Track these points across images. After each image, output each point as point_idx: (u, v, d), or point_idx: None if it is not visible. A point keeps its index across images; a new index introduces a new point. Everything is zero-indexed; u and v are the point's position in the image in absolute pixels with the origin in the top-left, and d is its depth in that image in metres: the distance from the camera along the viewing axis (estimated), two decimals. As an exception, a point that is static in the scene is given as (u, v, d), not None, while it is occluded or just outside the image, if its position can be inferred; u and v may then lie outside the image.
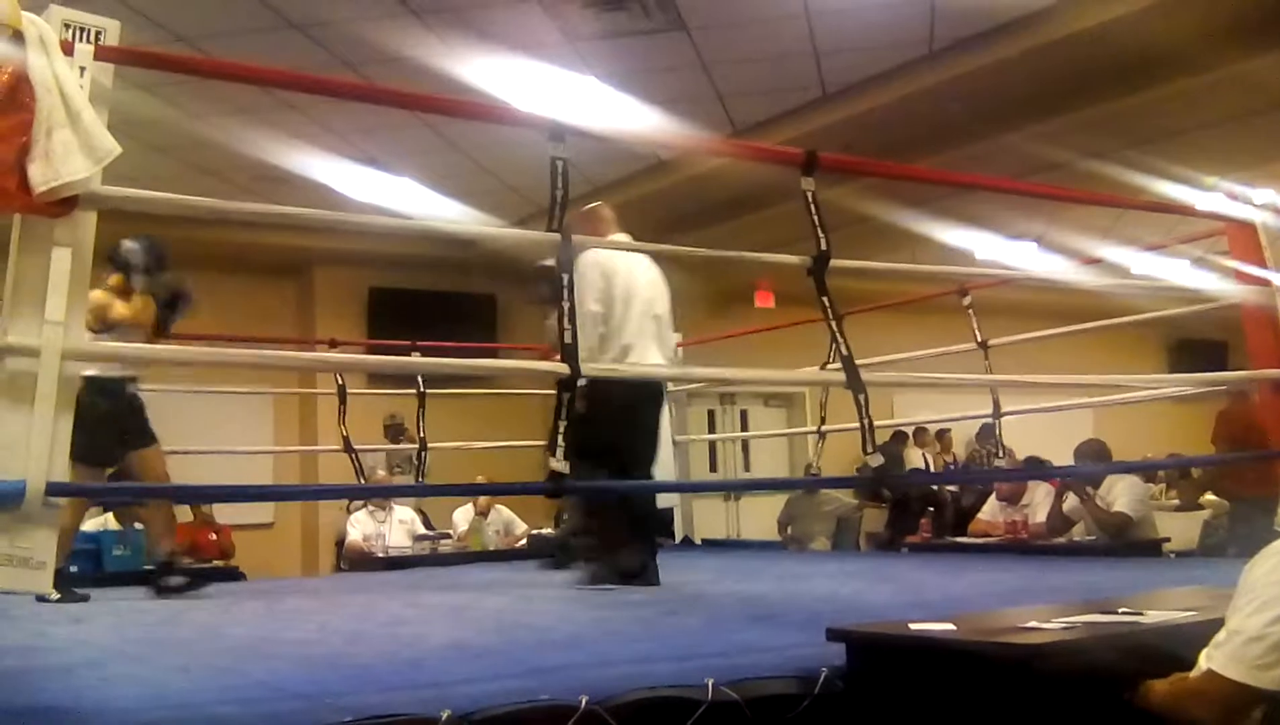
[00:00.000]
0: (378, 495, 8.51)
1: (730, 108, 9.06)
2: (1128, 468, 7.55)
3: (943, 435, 14.24)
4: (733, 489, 12.18)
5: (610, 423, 5.07)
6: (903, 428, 12.77)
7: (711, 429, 13.44)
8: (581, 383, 3.46)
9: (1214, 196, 6.05)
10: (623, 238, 5.43)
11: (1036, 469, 8.20)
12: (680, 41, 7.76)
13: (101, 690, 2.88)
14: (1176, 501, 9.93)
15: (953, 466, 13.90)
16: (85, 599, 5.40)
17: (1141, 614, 2.89)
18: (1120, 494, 7.02)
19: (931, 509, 10.71)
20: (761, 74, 8.40)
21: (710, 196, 9.82)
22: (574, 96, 8.21)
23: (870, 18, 7.51)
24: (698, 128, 8.65)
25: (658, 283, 5.52)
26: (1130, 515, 6.97)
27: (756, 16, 7.47)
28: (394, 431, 9.83)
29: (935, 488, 11.78)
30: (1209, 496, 9.68)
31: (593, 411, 5.03)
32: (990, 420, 7.13)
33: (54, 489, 2.63)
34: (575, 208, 3.72)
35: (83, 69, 2.81)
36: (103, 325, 5.35)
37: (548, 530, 9.15)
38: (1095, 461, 7.26)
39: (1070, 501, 7.28)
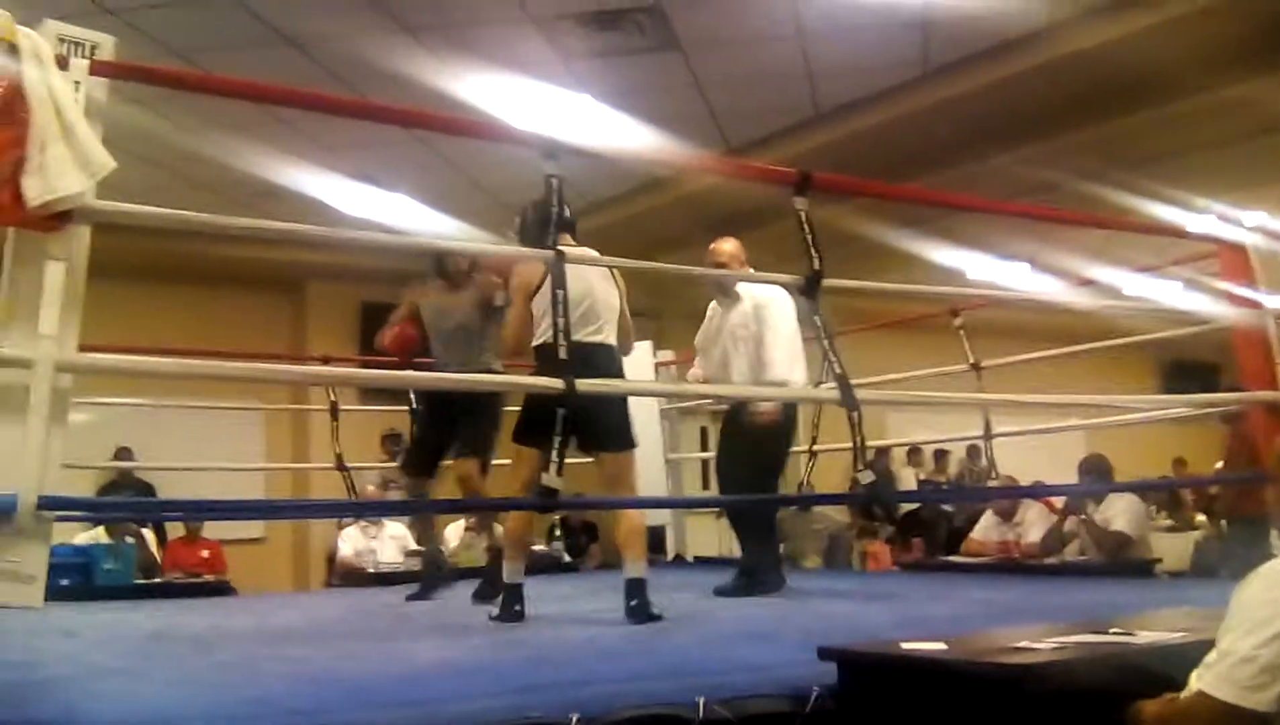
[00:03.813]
0: (371, 512, 8.48)
1: (724, 127, 9.08)
2: (1121, 487, 7.54)
3: (941, 457, 14.24)
4: (725, 505, 12.15)
5: (781, 441, 5.90)
6: (890, 447, 12.74)
7: (704, 447, 13.41)
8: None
9: (1206, 219, 6.06)
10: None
11: (1031, 487, 8.19)
12: (675, 61, 7.78)
13: (92, 705, 2.87)
14: (1169, 522, 9.94)
15: (947, 487, 13.90)
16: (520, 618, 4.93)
17: (1133, 634, 2.88)
18: (1120, 513, 7.02)
19: (917, 529, 10.73)
20: (755, 94, 8.43)
21: (703, 215, 9.80)
22: (569, 115, 8.23)
23: (864, 39, 7.54)
24: (692, 146, 8.66)
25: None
26: (1129, 534, 6.97)
27: (750, 37, 7.50)
28: (393, 441, 9.82)
29: (922, 508, 11.79)
30: (1200, 517, 9.70)
31: (768, 432, 5.55)
32: (978, 441, 7.12)
33: (46, 503, 2.62)
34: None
35: (77, 83, 2.82)
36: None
37: (540, 546, 9.13)
38: (1098, 478, 7.25)
39: (1070, 520, 7.29)
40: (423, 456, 6.13)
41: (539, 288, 4.59)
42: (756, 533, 5.96)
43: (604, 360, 4.66)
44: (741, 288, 5.89)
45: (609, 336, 4.76)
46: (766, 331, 5.76)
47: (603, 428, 4.54)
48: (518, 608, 4.70)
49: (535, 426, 4.20)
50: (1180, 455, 14.23)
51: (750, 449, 5.79)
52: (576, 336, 4.34)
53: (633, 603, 4.50)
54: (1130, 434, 11.41)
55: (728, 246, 5.84)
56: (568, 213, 4.44)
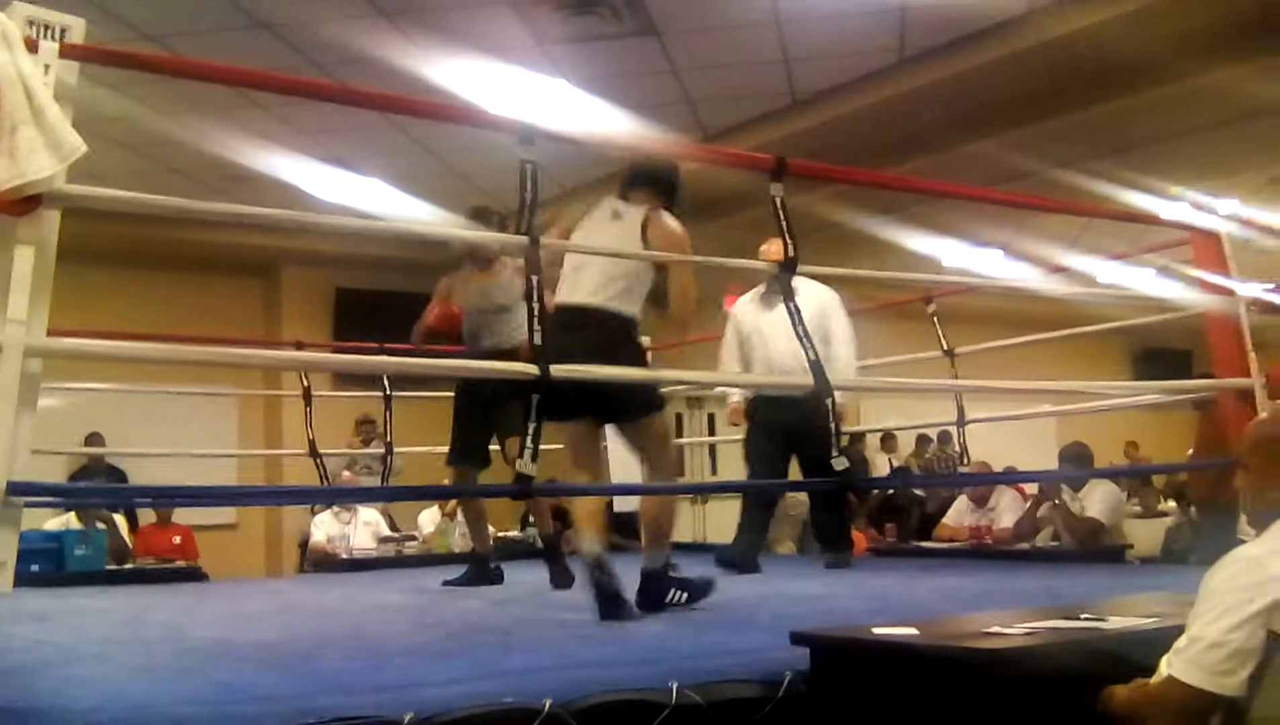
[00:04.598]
0: (344, 498, 8.47)
1: (700, 113, 9.08)
2: (1093, 474, 7.57)
3: (923, 442, 14.28)
4: (698, 492, 12.15)
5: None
6: (865, 433, 12.77)
7: (679, 433, 13.44)
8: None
9: (1179, 206, 6.09)
10: None
11: (1004, 474, 8.23)
12: (651, 46, 7.77)
13: (62, 691, 2.86)
14: (1139, 508, 9.99)
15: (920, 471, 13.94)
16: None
17: (1104, 620, 2.90)
18: (1096, 500, 7.06)
19: (890, 515, 10.74)
20: (732, 80, 8.42)
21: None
22: (544, 100, 8.20)
23: (841, 25, 7.53)
24: (668, 132, 8.66)
25: None
26: (1103, 521, 7.01)
27: (727, 22, 7.49)
28: (367, 428, 9.80)
29: (895, 493, 11.80)
30: (1170, 503, 9.75)
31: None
32: (949, 427, 7.17)
33: (15, 488, 2.61)
34: (543, 210, 3.72)
35: (47, 66, 2.79)
36: None
37: (514, 533, 9.12)
38: (1078, 464, 7.29)
39: (1043, 506, 7.33)
40: (468, 446, 5.97)
41: (568, 235, 4.51)
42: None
43: (601, 325, 4.32)
44: (799, 284, 6.02)
45: (612, 301, 4.37)
46: (835, 327, 6.22)
47: (615, 397, 4.26)
48: (605, 580, 4.20)
49: (562, 402, 4.13)
50: (1133, 439, 14.35)
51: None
52: (573, 299, 4.34)
53: (650, 597, 4.29)
54: (1101, 421, 11.48)
55: (775, 250, 5.79)
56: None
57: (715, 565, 5.81)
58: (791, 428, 6.00)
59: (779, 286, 4.24)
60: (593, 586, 4.18)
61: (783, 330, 5.18)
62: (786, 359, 5.87)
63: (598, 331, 4.27)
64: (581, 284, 4.39)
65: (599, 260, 4.39)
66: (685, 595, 4.42)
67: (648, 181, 4.61)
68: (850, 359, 6.31)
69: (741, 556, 6.26)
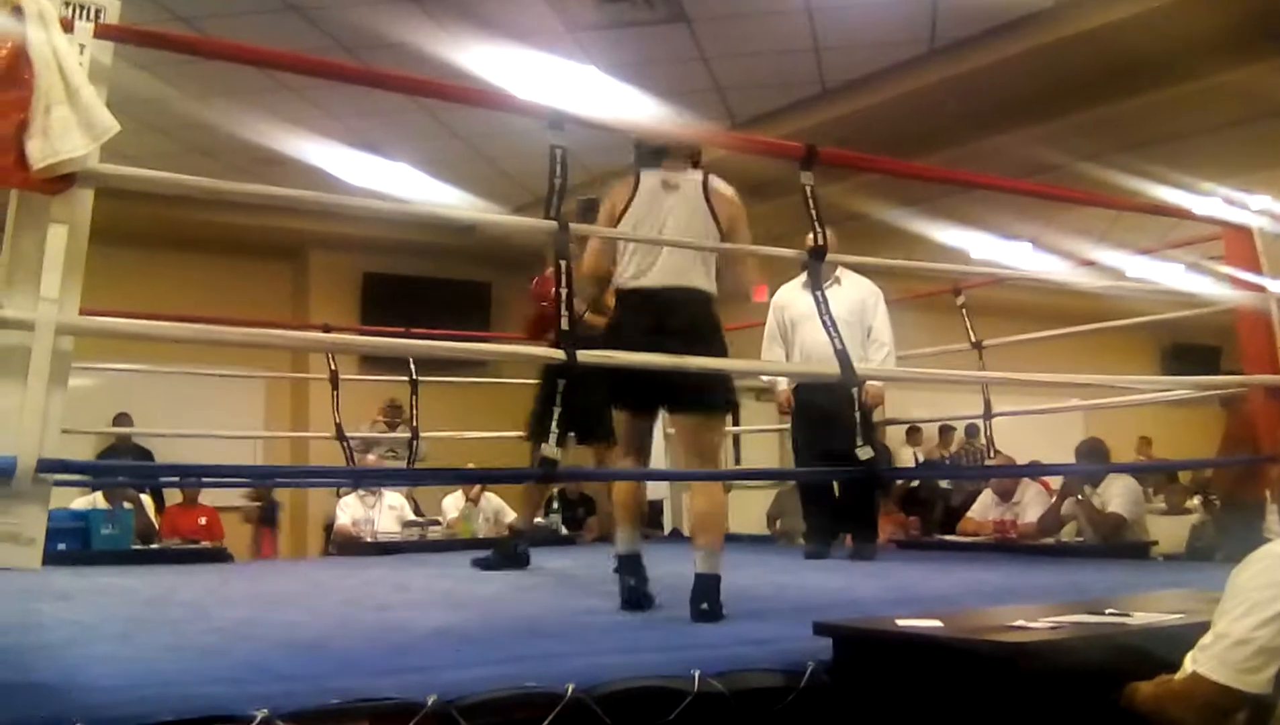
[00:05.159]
0: (369, 481, 8.49)
1: (730, 101, 9.06)
2: (1120, 468, 7.55)
3: (946, 432, 14.23)
4: (721, 478, 12.15)
5: None
6: (889, 424, 12.74)
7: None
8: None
9: (1211, 201, 6.06)
10: None
11: (1028, 467, 8.20)
12: (681, 33, 7.75)
13: (89, 668, 2.88)
14: (1164, 504, 9.94)
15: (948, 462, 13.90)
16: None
17: (1128, 615, 2.89)
18: (1116, 495, 7.04)
19: (914, 508, 10.73)
20: (762, 68, 8.40)
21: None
22: (574, 86, 8.20)
23: (872, 15, 7.51)
24: (697, 120, 8.64)
25: None
26: (1125, 516, 6.99)
27: (758, 10, 7.48)
28: (392, 413, 9.83)
29: (920, 486, 11.79)
30: (1196, 500, 9.71)
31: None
32: (977, 419, 7.15)
33: (45, 465, 2.62)
34: (573, 196, 3.70)
35: (82, 46, 2.80)
36: None
37: (539, 519, 9.14)
38: (1094, 460, 7.26)
39: (1067, 502, 7.30)
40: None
41: (623, 214, 4.20)
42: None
43: (689, 308, 4.14)
44: (843, 276, 6.28)
45: (695, 279, 4.16)
46: (876, 323, 6.36)
47: (694, 385, 4.04)
48: (633, 582, 4.16)
49: (622, 388, 4.14)
50: (1145, 435, 14.29)
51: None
52: (652, 282, 4.10)
53: (702, 605, 3.88)
54: (1128, 416, 11.43)
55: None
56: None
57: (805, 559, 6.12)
58: (826, 413, 6.02)
59: (814, 273, 4.18)
60: (624, 587, 4.16)
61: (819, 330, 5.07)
62: (823, 347, 5.75)
63: (686, 315, 4.10)
64: (658, 263, 4.14)
65: (674, 236, 4.15)
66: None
67: (684, 150, 4.37)
68: (887, 357, 6.37)
69: (820, 552, 6.54)
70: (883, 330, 6.44)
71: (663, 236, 4.11)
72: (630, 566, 4.20)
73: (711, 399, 4.16)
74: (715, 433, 4.32)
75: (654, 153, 4.31)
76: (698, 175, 4.26)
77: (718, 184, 4.27)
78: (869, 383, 5.94)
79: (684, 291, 4.11)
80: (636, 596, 4.13)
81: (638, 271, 4.15)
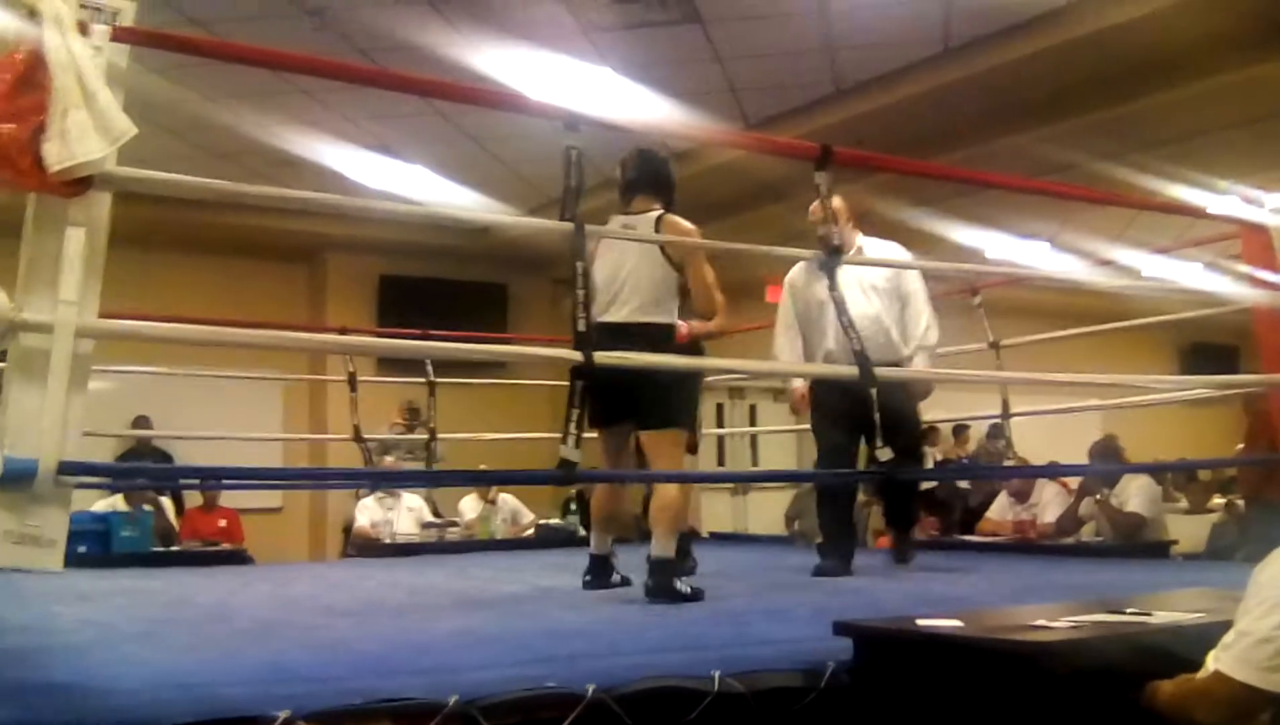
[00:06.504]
0: (388, 482, 8.51)
1: (743, 101, 9.05)
2: (1139, 468, 7.53)
3: (960, 432, 14.19)
4: (739, 480, 12.18)
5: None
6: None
7: (720, 423, 13.43)
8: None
9: (1228, 200, 6.02)
10: None
11: (1047, 467, 8.18)
12: (695, 34, 7.75)
13: (110, 670, 2.89)
14: (1185, 504, 9.90)
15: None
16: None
17: (1149, 614, 2.88)
18: (1134, 494, 7.02)
19: (933, 508, 10.67)
20: (775, 69, 8.39)
21: (721, 190, 9.77)
22: (588, 87, 8.20)
23: (886, 14, 7.50)
24: (711, 121, 8.63)
25: None
26: (1144, 516, 6.97)
27: (772, 11, 7.47)
28: (411, 415, 9.85)
29: (938, 486, 11.73)
30: (1217, 499, 9.66)
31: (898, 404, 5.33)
32: (998, 420, 7.11)
33: (66, 468, 2.63)
34: (588, 198, 3.70)
35: (98, 49, 2.81)
36: None
37: (555, 520, 9.15)
38: (1107, 460, 7.24)
39: (1085, 502, 7.29)
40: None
41: (593, 256, 4.51)
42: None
43: (642, 339, 4.43)
44: (865, 243, 5.98)
45: (649, 314, 4.63)
46: (911, 287, 5.97)
47: (640, 404, 4.54)
48: (589, 578, 4.91)
49: (596, 405, 4.20)
50: (1198, 437, 14.17)
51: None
52: (613, 318, 4.60)
53: (648, 583, 4.42)
54: (1146, 416, 11.38)
55: (834, 202, 5.15)
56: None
57: (812, 577, 5.56)
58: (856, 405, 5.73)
59: (831, 274, 4.21)
60: (584, 578, 4.84)
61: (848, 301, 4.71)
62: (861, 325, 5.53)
63: (647, 347, 4.28)
64: (617, 301, 4.66)
65: (627, 276, 4.66)
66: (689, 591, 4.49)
67: (648, 185, 4.88)
68: (931, 318, 6.00)
69: (834, 568, 5.70)
70: (919, 296, 5.97)
71: (624, 276, 4.66)
72: (593, 566, 4.91)
73: (669, 417, 4.65)
74: (677, 446, 4.72)
75: (621, 192, 4.90)
76: (654, 215, 4.73)
77: (670, 220, 4.70)
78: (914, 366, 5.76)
79: (642, 326, 4.59)
80: (594, 588, 4.84)
81: (604, 307, 4.62)
